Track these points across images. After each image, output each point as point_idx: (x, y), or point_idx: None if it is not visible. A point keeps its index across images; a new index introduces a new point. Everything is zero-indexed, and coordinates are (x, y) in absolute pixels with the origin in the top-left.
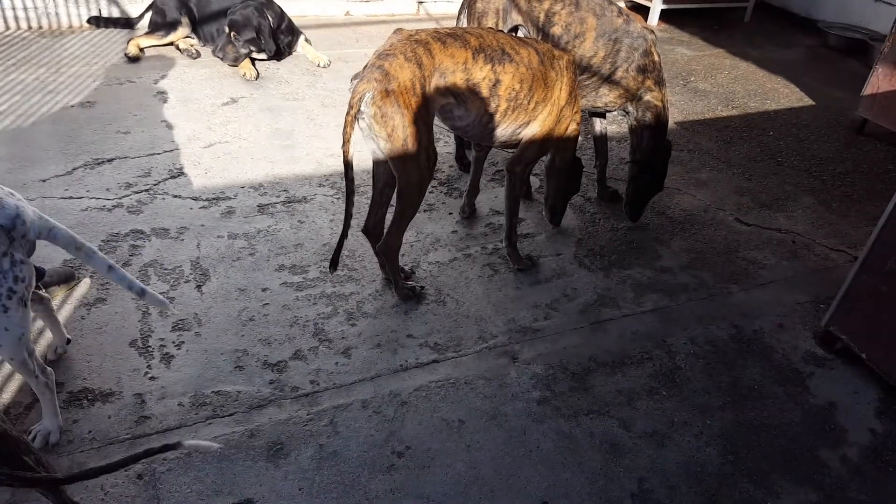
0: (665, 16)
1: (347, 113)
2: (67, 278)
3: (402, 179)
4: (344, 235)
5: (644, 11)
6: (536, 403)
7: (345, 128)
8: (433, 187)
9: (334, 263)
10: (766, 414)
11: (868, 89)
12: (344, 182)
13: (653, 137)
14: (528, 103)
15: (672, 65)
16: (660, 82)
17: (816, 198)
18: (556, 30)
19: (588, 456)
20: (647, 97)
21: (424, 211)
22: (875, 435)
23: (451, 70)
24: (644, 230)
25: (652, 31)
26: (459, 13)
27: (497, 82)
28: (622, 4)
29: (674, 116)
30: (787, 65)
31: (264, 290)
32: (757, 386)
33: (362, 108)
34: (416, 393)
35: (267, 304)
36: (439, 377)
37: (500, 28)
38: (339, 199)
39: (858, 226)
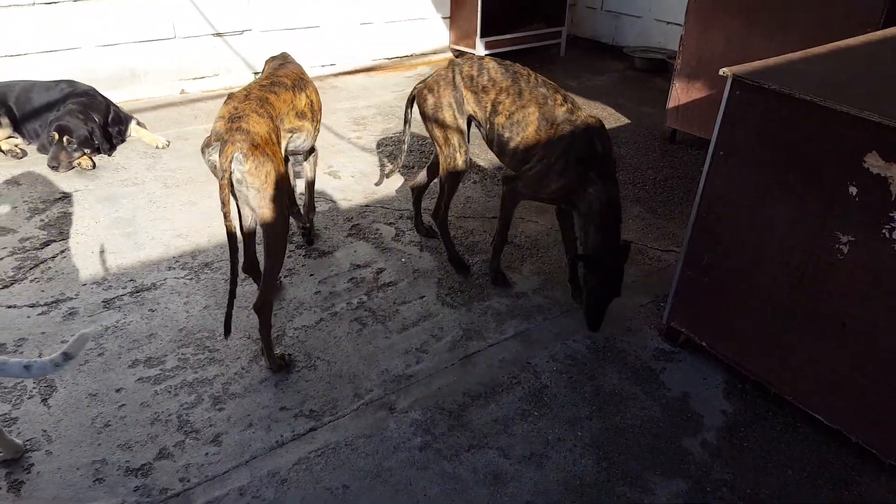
0: None
1: (221, 179)
2: None
3: (269, 232)
4: (232, 296)
5: None
6: (418, 450)
7: (221, 192)
8: (291, 251)
9: (227, 328)
10: (629, 415)
11: (671, 102)
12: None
13: (600, 233)
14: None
15: None
16: (605, 175)
17: (643, 206)
18: (500, 119)
19: (474, 492)
20: (591, 189)
21: (284, 277)
22: (726, 415)
23: (286, 112)
24: None
25: (598, 121)
26: (408, 107)
27: (310, 102)
28: (567, 94)
29: None
30: (603, 89)
31: (118, 390)
32: (617, 390)
33: (234, 168)
34: (296, 467)
35: (123, 405)
36: (318, 445)
37: (457, 118)
38: (191, 279)
39: (682, 226)
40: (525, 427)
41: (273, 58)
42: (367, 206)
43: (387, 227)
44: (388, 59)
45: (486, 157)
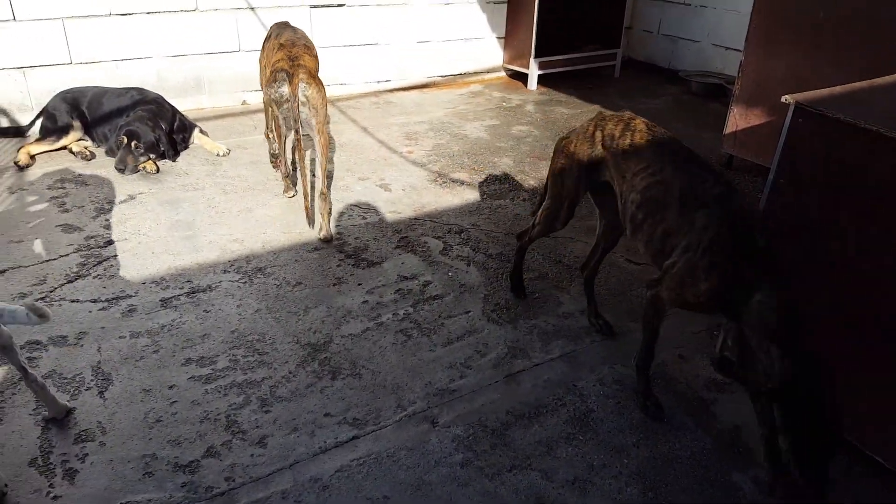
0: (542, 80)
1: (292, 102)
2: None
3: (323, 134)
4: (306, 189)
5: (523, 79)
6: (460, 467)
7: (293, 112)
8: (340, 260)
9: (311, 219)
10: (678, 445)
11: (729, 127)
12: None
13: (785, 351)
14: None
15: (553, 124)
16: (771, 272)
17: None
18: (635, 196)
19: None
20: (757, 296)
21: (334, 285)
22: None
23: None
24: (544, 279)
25: (755, 207)
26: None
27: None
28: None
29: None
30: (658, 112)
31: (171, 387)
32: (666, 419)
33: (300, 93)
34: (338, 475)
35: (175, 402)
36: (360, 454)
37: (578, 187)
38: (244, 283)
39: None
40: (569, 451)
41: (279, 24)
42: (416, 219)
43: (435, 240)
44: (441, 76)
45: (536, 176)
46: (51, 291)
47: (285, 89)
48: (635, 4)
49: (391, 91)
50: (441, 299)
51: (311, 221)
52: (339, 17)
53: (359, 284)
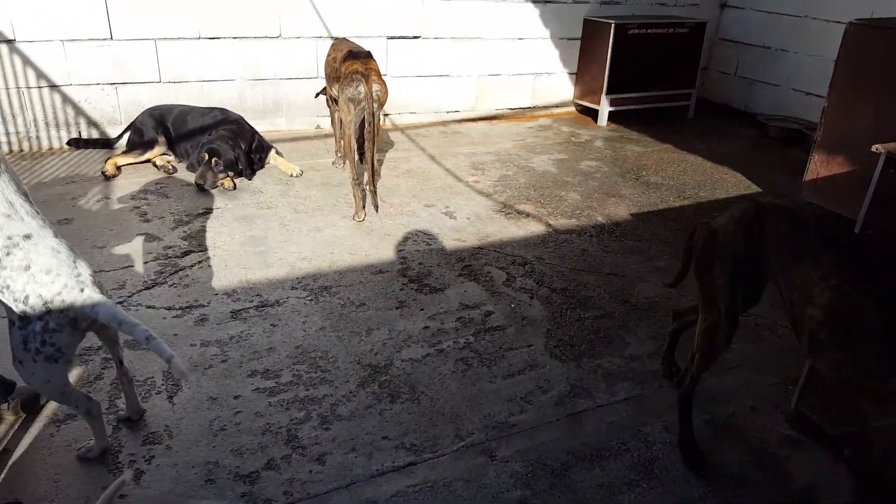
0: (613, 117)
1: (367, 98)
2: (38, 395)
3: (378, 126)
4: (372, 165)
5: (593, 114)
6: None
7: (368, 106)
8: (403, 284)
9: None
10: (747, 500)
11: (809, 175)
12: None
13: None
14: None
15: (623, 161)
16: None
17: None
18: (817, 312)
19: None
20: None
21: (396, 308)
22: None
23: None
24: (610, 318)
25: None
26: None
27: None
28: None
29: (629, 208)
30: (733, 156)
31: (236, 397)
32: (736, 472)
33: (373, 90)
34: (394, 499)
35: (239, 412)
36: (417, 481)
37: (734, 283)
38: (311, 300)
39: None
40: (632, 498)
41: (339, 39)
42: (479, 248)
43: (498, 270)
44: (510, 108)
45: (604, 212)
46: (129, 296)
47: (362, 88)
48: (712, 45)
49: (459, 121)
50: (503, 331)
51: (363, 203)
52: (414, 49)
53: (421, 309)
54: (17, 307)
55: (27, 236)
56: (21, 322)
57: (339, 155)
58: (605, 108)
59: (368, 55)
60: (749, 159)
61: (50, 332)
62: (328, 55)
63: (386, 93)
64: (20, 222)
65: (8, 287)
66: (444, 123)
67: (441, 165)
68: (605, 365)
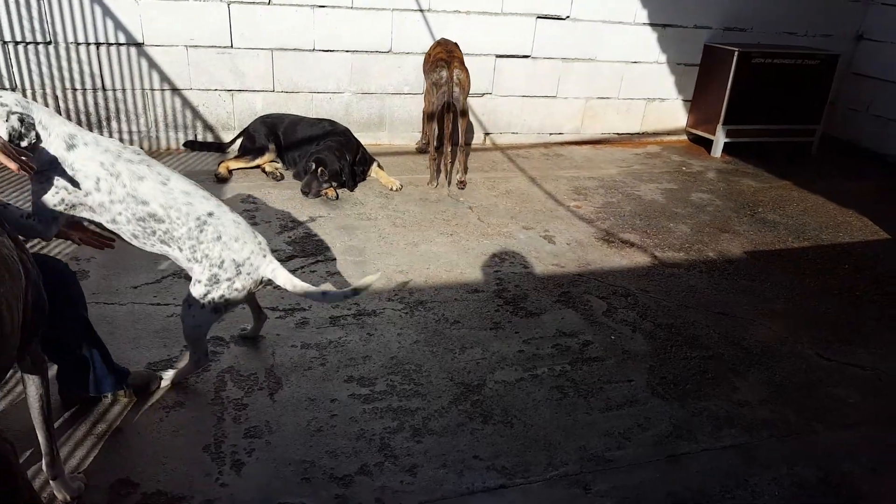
0: (728, 149)
1: (447, 83)
2: (149, 381)
3: (466, 109)
4: (441, 146)
5: (706, 144)
6: None
7: (448, 92)
8: (499, 306)
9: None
10: None
11: None
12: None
13: None
14: None
15: (738, 195)
16: None
17: None
18: None
19: None
20: None
21: (491, 329)
22: None
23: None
24: (718, 360)
25: None
26: None
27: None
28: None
29: (743, 246)
30: (860, 198)
31: (333, 400)
32: None
33: (454, 76)
34: None
35: (335, 415)
36: None
37: None
38: (406, 313)
39: None
40: None
41: (439, 42)
42: (579, 275)
43: (598, 300)
44: (617, 133)
45: (715, 248)
46: None
47: (444, 73)
48: (843, 79)
49: (563, 144)
50: (601, 362)
51: (436, 173)
52: (522, 68)
53: (516, 332)
54: (212, 270)
55: (210, 214)
56: (209, 282)
57: (423, 142)
58: (720, 139)
59: (455, 45)
60: (878, 203)
61: (232, 291)
62: (427, 53)
63: (468, 80)
64: (201, 204)
65: (206, 256)
66: (546, 145)
67: (541, 188)
68: (711, 408)
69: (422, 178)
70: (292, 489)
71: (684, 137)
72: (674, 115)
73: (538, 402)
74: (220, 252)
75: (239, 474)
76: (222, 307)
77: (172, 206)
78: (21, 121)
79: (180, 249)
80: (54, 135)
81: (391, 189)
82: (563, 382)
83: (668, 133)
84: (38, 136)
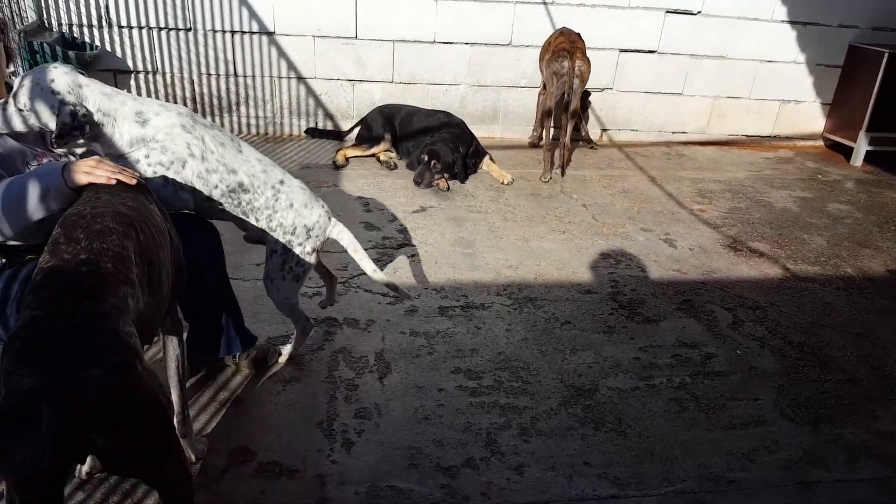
0: (870, 157)
1: (568, 73)
2: (268, 354)
3: (581, 89)
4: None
5: (845, 152)
6: None
7: (569, 81)
8: (613, 309)
9: (552, 168)
10: None
11: None
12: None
13: None
14: None
15: (881, 209)
16: None
17: None
18: None
19: None
20: None
21: (604, 332)
22: None
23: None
24: (856, 385)
25: None
26: None
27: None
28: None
29: (885, 264)
30: None
31: (440, 390)
32: None
33: (576, 66)
34: None
35: (442, 404)
36: None
37: None
38: (515, 309)
39: None
40: None
41: (561, 31)
42: (702, 283)
43: (724, 311)
44: (746, 135)
45: (854, 264)
46: (350, 278)
47: (566, 63)
48: None
49: (685, 143)
50: (725, 377)
51: (550, 166)
52: (646, 64)
53: (631, 338)
54: (285, 238)
55: (281, 181)
56: (284, 250)
57: (536, 136)
58: (861, 147)
59: (577, 36)
60: None
61: (305, 255)
62: (546, 42)
63: (588, 71)
64: (273, 172)
65: (280, 224)
66: (667, 144)
67: (662, 189)
68: (846, 436)
69: (534, 173)
70: (399, 474)
71: (820, 143)
72: (810, 118)
73: (654, 413)
74: (292, 219)
75: (349, 453)
76: (301, 274)
77: (254, 175)
78: (73, 115)
79: (257, 220)
80: (121, 119)
81: (502, 183)
82: (683, 395)
83: (803, 138)
84: (97, 124)
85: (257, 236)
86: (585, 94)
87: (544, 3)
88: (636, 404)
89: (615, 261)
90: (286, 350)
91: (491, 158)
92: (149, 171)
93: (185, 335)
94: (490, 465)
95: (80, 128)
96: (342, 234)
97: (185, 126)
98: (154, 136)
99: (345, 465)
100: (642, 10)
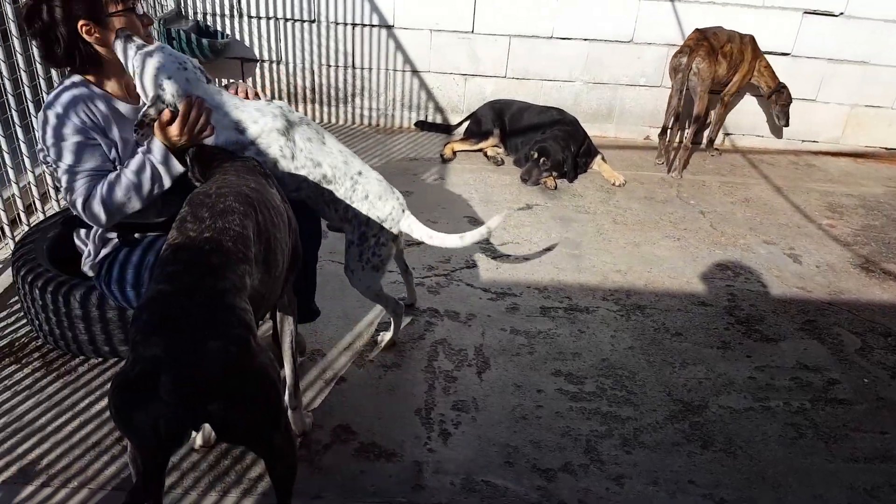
0: None
1: (683, 70)
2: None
3: (703, 90)
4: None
5: None
6: None
7: (681, 80)
8: (729, 324)
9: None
10: None
11: None
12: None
13: None
14: None
15: None
16: None
17: None
18: None
19: None
20: None
21: (718, 348)
22: None
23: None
24: None
25: None
26: None
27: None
28: None
29: None
30: None
31: (539, 391)
32: None
33: (694, 65)
34: None
35: (540, 405)
36: None
37: None
38: (621, 315)
39: None
40: None
41: (705, 29)
42: (829, 303)
43: (851, 335)
44: (886, 148)
45: None
46: (452, 271)
47: (684, 59)
48: None
49: (815, 153)
50: (849, 406)
51: (668, 166)
52: (780, 66)
53: (747, 356)
54: (360, 229)
55: (359, 173)
56: (360, 240)
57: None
58: None
59: (717, 34)
60: None
61: (380, 246)
62: None
63: (709, 72)
64: (352, 163)
65: (356, 215)
66: (795, 153)
67: (788, 200)
68: None
69: (647, 176)
70: (495, 470)
71: None
72: None
73: (769, 437)
74: (367, 210)
75: (445, 443)
76: (379, 264)
77: (336, 167)
78: (158, 112)
79: (336, 210)
80: (221, 129)
81: (614, 184)
82: (801, 421)
83: None
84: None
85: (338, 226)
86: (718, 98)
87: (671, 0)
88: (749, 426)
89: (733, 273)
90: (387, 336)
91: (603, 158)
92: None
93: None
94: (589, 473)
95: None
96: (412, 227)
97: (278, 129)
98: (252, 142)
99: (441, 455)
100: (778, 9)
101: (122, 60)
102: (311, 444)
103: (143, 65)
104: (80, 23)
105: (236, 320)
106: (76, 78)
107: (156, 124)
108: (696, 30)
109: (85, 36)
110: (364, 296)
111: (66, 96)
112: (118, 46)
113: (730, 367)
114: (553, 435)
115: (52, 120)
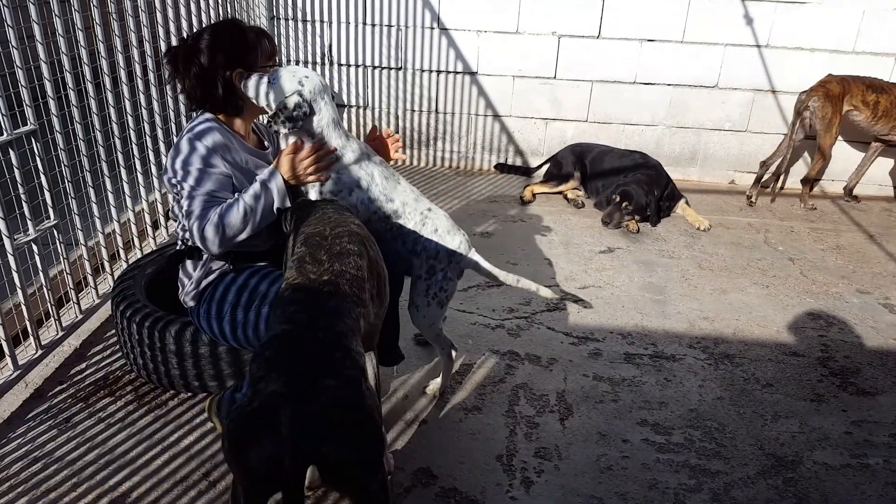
0: None
1: (800, 108)
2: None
3: (821, 134)
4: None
5: None
6: None
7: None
8: (822, 375)
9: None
10: None
11: None
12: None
13: None
14: None
15: None
16: None
17: None
18: None
19: None
20: None
21: (811, 401)
22: None
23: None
24: None
25: None
26: None
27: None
28: None
29: None
30: None
31: (624, 441)
32: None
33: (810, 104)
34: None
35: (626, 456)
36: None
37: None
38: (709, 364)
39: None
40: None
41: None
42: None
43: None
44: None
45: None
46: (533, 314)
47: (803, 96)
48: None
49: None
50: None
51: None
52: None
53: (842, 410)
54: (429, 262)
55: (429, 209)
56: (427, 274)
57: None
58: None
59: (849, 80)
60: None
61: (447, 280)
62: None
63: (823, 112)
64: (421, 201)
65: (425, 248)
66: (888, 199)
67: (882, 248)
68: None
69: (733, 220)
70: None
71: None
72: None
73: (868, 496)
74: (435, 245)
75: (528, 492)
76: (444, 300)
77: (407, 203)
78: (297, 106)
79: (404, 243)
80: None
81: (698, 228)
82: None
83: None
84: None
85: (407, 264)
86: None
87: (757, 46)
88: (846, 484)
89: (826, 322)
90: (436, 383)
91: (686, 202)
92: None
93: None
94: None
95: (293, 119)
96: (480, 263)
97: (360, 163)
98: (338, 170)
99: (522, 503)
100: (870, 55)
101: (251, 92)
102: (393, 485)
103: (276, 73)
104: (238, 71)
105: (351, 362)
106: (209, 115)
107: (283, 153)
108: (831, 74)
109: (234, 81)
110: (425, 335)
111: (210, 132)
112: (252, 79)
113: (824, 420)
114: (640, 487)
115: (200, 150)
